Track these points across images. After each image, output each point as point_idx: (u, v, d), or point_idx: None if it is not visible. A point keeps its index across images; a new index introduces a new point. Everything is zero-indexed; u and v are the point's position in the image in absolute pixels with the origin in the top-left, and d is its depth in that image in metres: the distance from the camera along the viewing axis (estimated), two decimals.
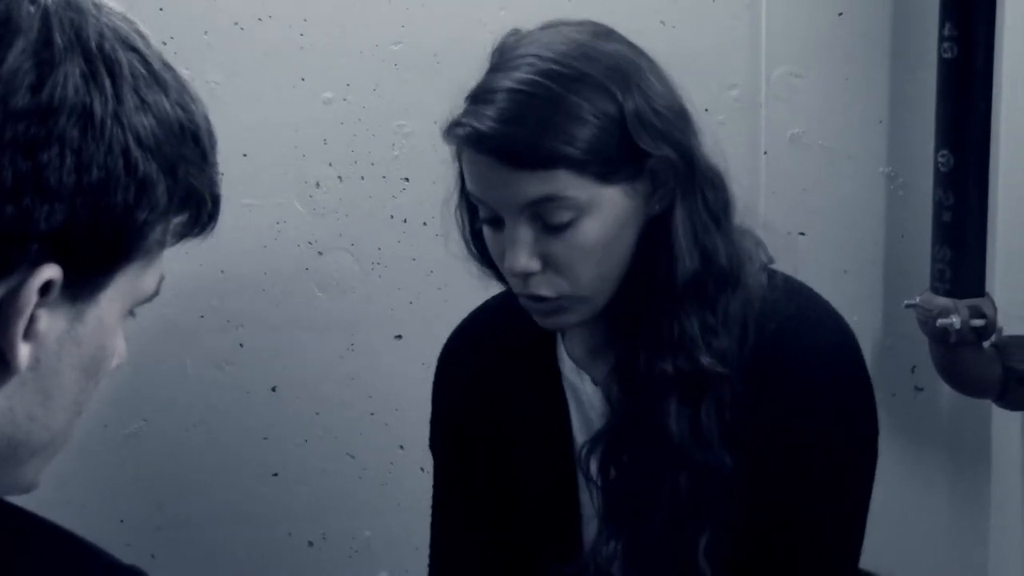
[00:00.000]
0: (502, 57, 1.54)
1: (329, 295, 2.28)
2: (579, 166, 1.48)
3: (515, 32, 1.57)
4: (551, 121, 1.48)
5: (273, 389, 2.31)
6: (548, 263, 1.52)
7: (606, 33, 1.57)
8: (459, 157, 1.56)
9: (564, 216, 1.50)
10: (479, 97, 1.52)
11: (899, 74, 2.33)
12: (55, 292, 0.86)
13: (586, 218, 1.50)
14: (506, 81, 1.50)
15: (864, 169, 2.37)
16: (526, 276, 1.52)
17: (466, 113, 1.52)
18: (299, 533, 2.36)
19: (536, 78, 1.49)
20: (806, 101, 2.33)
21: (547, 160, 1.48)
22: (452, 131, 1.53)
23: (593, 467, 1.63)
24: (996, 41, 2.07)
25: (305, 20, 2.20)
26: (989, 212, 2.12)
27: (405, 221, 2.27)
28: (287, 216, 2.25)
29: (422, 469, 1.97)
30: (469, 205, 1.60)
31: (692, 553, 1.57)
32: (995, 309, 2.13)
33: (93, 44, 0.85)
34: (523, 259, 1.51)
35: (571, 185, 1.49)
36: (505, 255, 1.53)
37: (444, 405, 1.83)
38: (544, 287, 1.53)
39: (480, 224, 1.59)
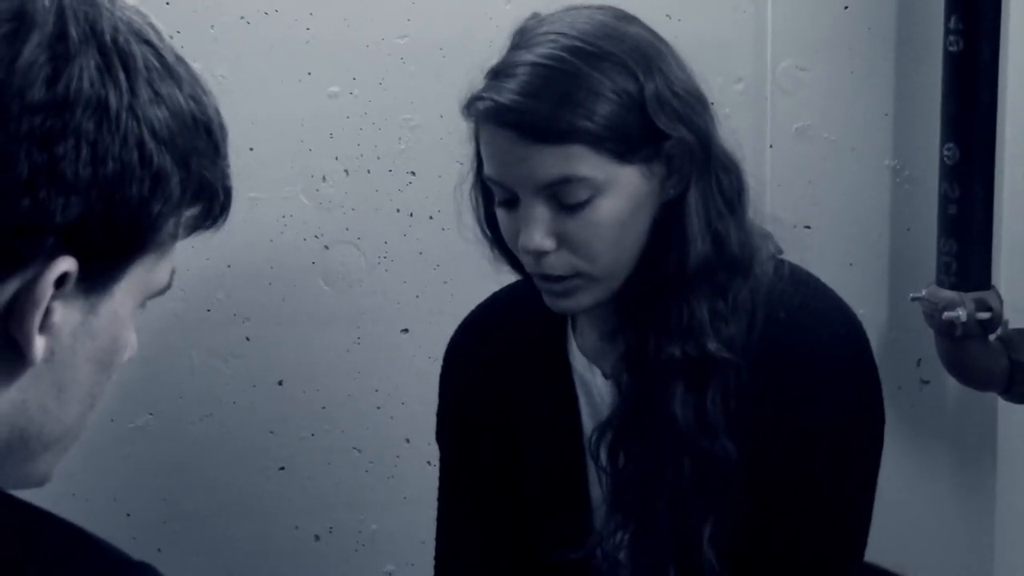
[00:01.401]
0: (524, 36, 1.55)
1: (335, 289, 2.29)
2: (597, 142, 1.49)
3: (536, 15, 1.59)
4: (572, 96, 1.49)
5: (279, 383, 2.31)
6: (563, 242, 1.53)
7: (627, 17, 1.59)
8: (476, 136, 1.57)
9: (581, 195, 1.51)
10: (501, 72, 1.53)
11: (905, 68, 2.33)
12: (70, 285, 0.86)
13: (602, 197, 1.51)
14: (529, 56, 1.52)
15: (870, 162, 2.37)
16: (540, 255, 1.53)
17: (487, 87, 1.53)
18: (305, 527, 2.37)
19: (560, 53, 1.51)
20: (812, 94, 2.33)
21: (566, 134, 1.49)
22: (472, 105, 1.54)
23: (603, 454, 1.63)
24: (1002, 34, 2.07)
25: (311, 14, 2.20)
26: (995, 205, 2.12)
27: (411, 215, 2.27)
28: (293, 210, 2.25)
29: (428, 462, 1.98)
30: (484, 187, 1.61)
31: (697, 540, 1.58)
32: (1001, 302, 2.13)
33: (108, 37, 0.86)
34: (537, 237, 1.52)
35: (588, 163, 1.50)
36: (520, 233, 1.54)
37: (452, 397, 1.83)
38: (558, 266, 1.54)
39: (494, 207, 1.59)
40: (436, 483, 1.86)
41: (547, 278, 1.56)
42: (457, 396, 1.83)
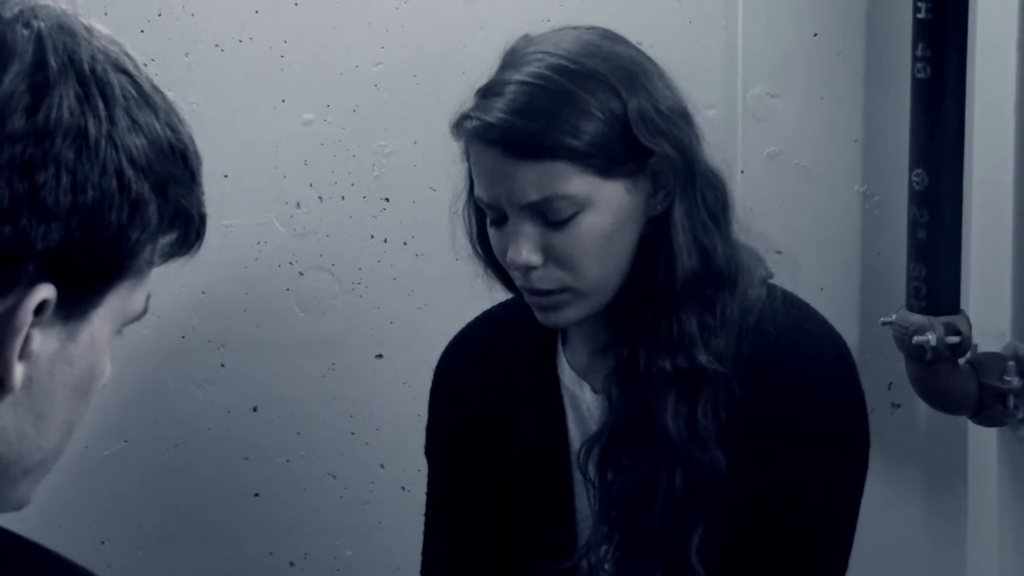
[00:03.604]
0: (513, 56, 1.59)
1: (310, 315, 2.29)
2: (581, 159, 1.53)
3: (526, 36, 1.62)
4: (557, 114, 1.53)
5: (254, 409, 2.31)
6: (550, 256, 1.56)
7: (614, 37, 1.63)
8: (467, 155, 1.59)
9: (566, 211, 1.54)
10: (489, 91, 1.57)
11: (874, 94, 2.35)
12: (49, 312, 0.87)
13: (587, 213, 1.55)
14: (516, 75, 1.55)
15: (840, 188, 2.39)
16: (527, 270, 1.56)
17: (475, 106, 1.57)
18: (281, 553, 2.36)
19: (545, 72, 1.54)
20: (782, 121, 2.35)
21: (550, 151, 1.52)
22: (461, 124, 1.57)
23: (591, 467, 1.65)
24: (968, 61, 2.09)
25: (285, 42, 2.21)
26: (963, 230, 2.14)
27: (385, 241, 2.28)
28: (268, 236, 2.26)
29: (403, 488, 1.99)
30: (476, 205, 1.63)
31: (685, 552, 1.60)
32: (970, 326, 2.14)
33: (86, 67, 0.87)
34: (524, 252, 1.55)
35: (573, 179, 1.53)
36: (508, 249, 1.56)
37: (441, 410, 1.85)
38: (545, 281, 1.57)
39: (487, 226, 1.62)
40: (411, 508, 1.87)
41: (535, 292, 1.58)
42: (446, 410, 1.84)
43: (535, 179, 1.53)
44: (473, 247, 1.70)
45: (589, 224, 1.55)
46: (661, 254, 1.58)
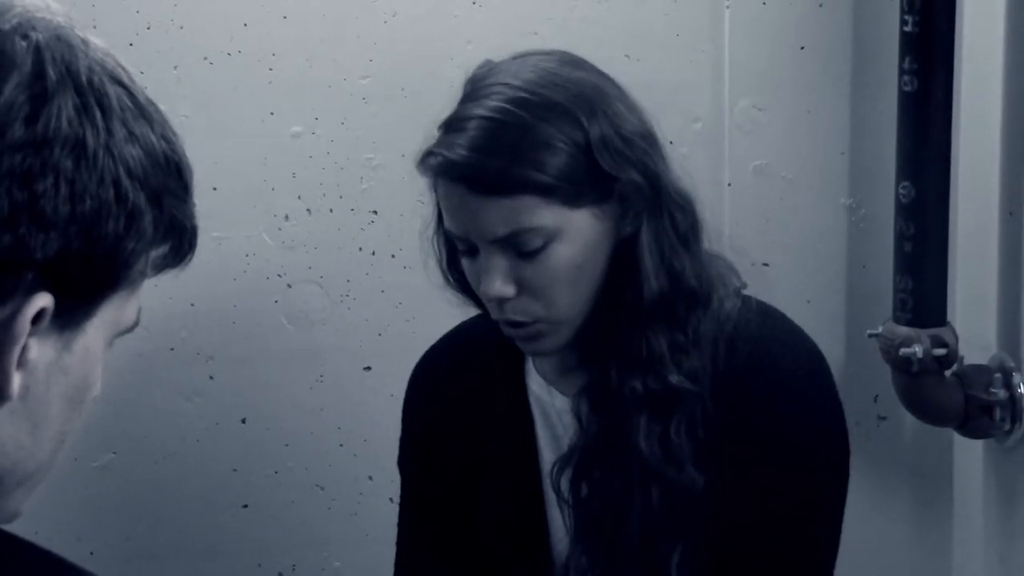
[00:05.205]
0: (474, 86, 1.58)
1: (298, 327, 2.29)
2: (547, 191, 1.53)
3: (487, 63, 1.61)
4: (520, 149, 1.52)
5: (243, 421, 2.31)
6: (523, 288, 1.56)
7: (574, 62, 1.61)
8: (435, 189, 1.59)
9: (535, 243, 1.54)
10: (451, 126, 1.56)
11: (860, 107, 2.36)
12: (46, 321, 0.88)
13: (557, 243, 1.55)
14: (477, 109, 1.55)
15: (826, 200, 2.39)
16: (501, 301, 1.56)
17: (438, 143, 1.56)
18: (269, 565, 2.37)
19: (506, 106, 1.54)
20: (769, 133, 2.35)
21: (516, 186, 1.52)
22: (425, 161, 1.57)
23: (564, 484, 1.65)
24: (955, 74, 2.10)
25: (274, 55, 2.22)
26: (949, 242, 2.14)
27: (374, 254, 2.28)
28: (256, 249, 2.26)
29: (391, 499, 1.98)
30: (445, 235, 1.64)
31: (665, 569, 1.60)
32: (956, 338, 2.15)
33: (84, 78, 0.88)
34: (497, 285, 1.55)
35: (539, 212, 1.53)
36: (480, 281, 1.57)
37: (413, 422, 1.86)
38: (519, 312, 1.57)
39: (459, 255, 1.62)
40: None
41: (511, 324, 1.59)
42: (418, 422, 1.85)
43: (502, 214, 1.54)
44: (444, 275, 1.70)
45: (559, 254, 1.56)
46: (630, 276, 1.58)
